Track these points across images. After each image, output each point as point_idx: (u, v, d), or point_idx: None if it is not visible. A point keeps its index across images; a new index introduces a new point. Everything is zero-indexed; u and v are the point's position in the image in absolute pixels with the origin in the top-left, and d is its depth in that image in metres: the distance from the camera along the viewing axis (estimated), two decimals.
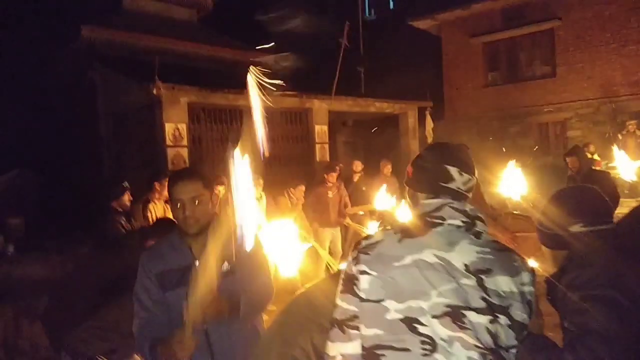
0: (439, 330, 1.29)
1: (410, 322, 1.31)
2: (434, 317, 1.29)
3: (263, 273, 2.12)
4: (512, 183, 5.52)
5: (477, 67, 13.97)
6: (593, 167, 6.51)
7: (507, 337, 1.30)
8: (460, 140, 12.61)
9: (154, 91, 7.06)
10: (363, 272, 1.38)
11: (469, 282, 1.31)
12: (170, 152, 7.26)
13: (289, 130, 9.36)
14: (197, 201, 1.97)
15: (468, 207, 1.42)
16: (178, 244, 2.06)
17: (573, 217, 1.61)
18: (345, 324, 1.40)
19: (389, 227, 1.47)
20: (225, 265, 1.97)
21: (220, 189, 5.26)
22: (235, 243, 1.85)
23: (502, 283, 1.32)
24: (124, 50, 10.14)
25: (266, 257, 2.24)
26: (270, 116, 9.01)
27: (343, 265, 1.53)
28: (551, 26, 12.52)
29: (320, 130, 9.70)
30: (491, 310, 1.29)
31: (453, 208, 1.40)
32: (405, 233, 1.40)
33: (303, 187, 6.25)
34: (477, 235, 1.38)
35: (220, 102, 8.08)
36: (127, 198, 4.60)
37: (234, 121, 8.39)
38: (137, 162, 8.58)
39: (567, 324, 1.49)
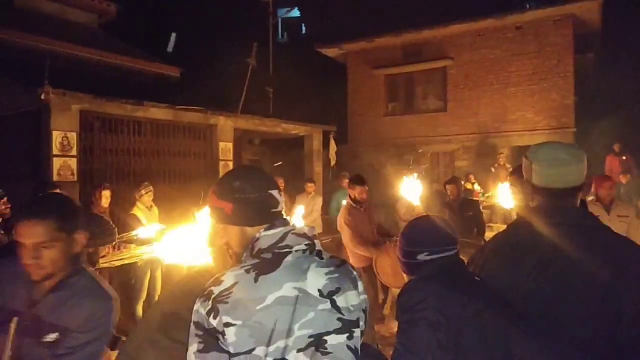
0: None
1: None
2: (299, 350, 1.26)
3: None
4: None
5: (379, 96, 14.59)
6: (468, 197, 7.19)
7: (359, 346, 1.35)
8: (362, 164, 13.24)
9: (42, 96, 6.62)
10: (227, 325, 1.24)
11: (325, 306, 1.32)
12: (57, 162, 6.79)
13: (191, 145, 9.20)
14: (44, 246, 1.64)
15: (306, 229, 1.41)
16: (24, 276, 1.69)
17: (419, 247, 1.76)
18: None
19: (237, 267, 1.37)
20: (53, 336, 1.65)
21: None
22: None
23: (350, 298, 1.36)
24: (11, 51, 9.37)
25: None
26: (172, 130, 8.76)
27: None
28: (444, 65, 13.48)
29: (225, 147, 9.62)
30: (347, 327, 1.32)
31: (295, 234, 1.37)
32: (259, 270, 1.31)
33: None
34: (320, 255, 1.39)
35: (117, 112, 7.73)
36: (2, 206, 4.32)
37: (131, 133, 8.09)
38: (21, 171, 7.89)
39: (397, 342, 1.58)
